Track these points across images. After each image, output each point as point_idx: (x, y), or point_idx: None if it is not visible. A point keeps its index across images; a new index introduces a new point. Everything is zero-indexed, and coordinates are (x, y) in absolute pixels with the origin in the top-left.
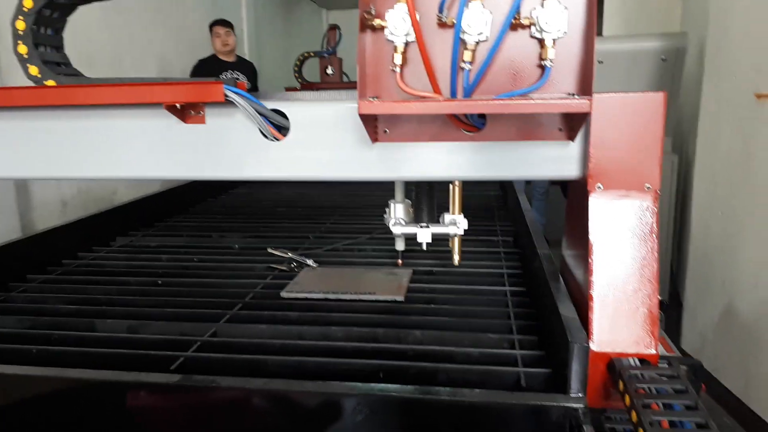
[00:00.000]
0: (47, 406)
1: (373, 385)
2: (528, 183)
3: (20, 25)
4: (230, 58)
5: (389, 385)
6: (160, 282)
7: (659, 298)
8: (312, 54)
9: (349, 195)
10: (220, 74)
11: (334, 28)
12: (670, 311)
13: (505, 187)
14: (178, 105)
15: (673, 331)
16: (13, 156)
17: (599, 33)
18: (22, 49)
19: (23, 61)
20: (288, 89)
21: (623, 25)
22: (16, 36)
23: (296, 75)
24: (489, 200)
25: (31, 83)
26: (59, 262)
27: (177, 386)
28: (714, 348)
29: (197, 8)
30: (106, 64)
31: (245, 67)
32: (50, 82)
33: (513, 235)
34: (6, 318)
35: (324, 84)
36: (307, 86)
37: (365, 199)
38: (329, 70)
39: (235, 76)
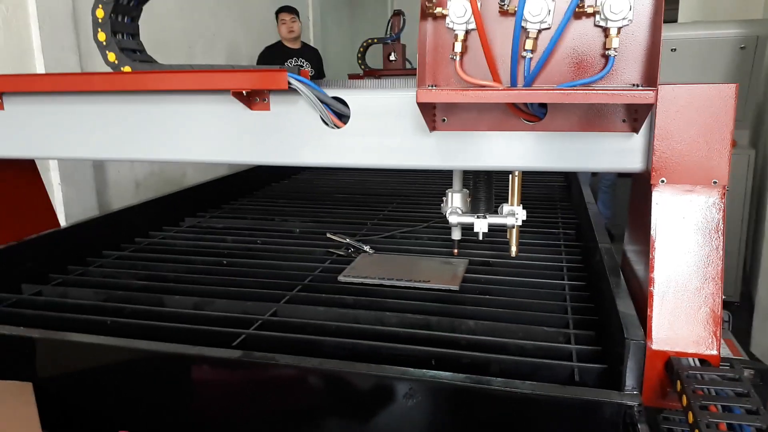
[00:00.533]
0: (118, 374)
1: (424, 371)
2: (594, 175)
3: (99, 13)
4: (296, 45)
5: (441, 372)
6: (224, 262)
7: (727, 298)
8: (375, 40)
9: (407, 183)
10: (285, 61)
11: (398, 13)
12: (741, 312)
13: (569, 178)
14: (244, 92)
15: (744, 334)
16: (90, 138)
17: (674, 19)
18: (102, 36)
19: (102, 48)
20: (351, 76)
21: (701, 11)
22: (96, 24)
23: (359, 62)
24: (552, 191)
25: (108, 69)
26: (132, 240)
27: (238, 362)
28: None
29: None
30: (178, 50)
31: (310, 53)
32: (126, 68)
33: (575, 227)
34: (84, 290)
35: (386, 71)
36: (369, 73)
37: (424, 187)
38: (392, 57)
39: (300, 63)
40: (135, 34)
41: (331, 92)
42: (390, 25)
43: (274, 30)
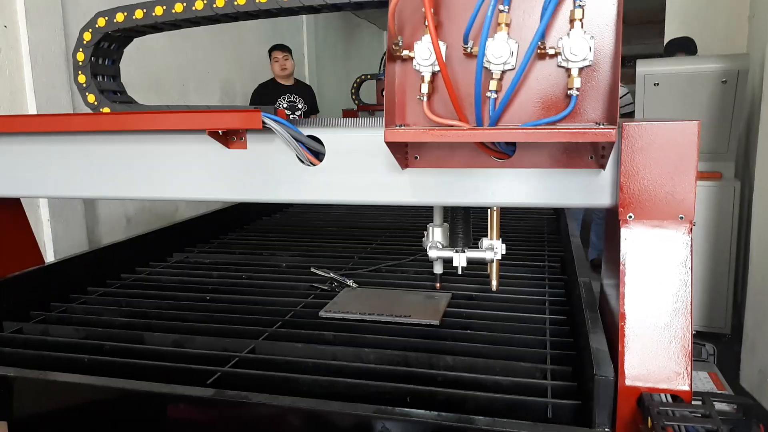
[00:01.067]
0: (92, 413)
1: (395, 409)
2: None
3: (80, 56)
4: (289, 82)
5: (412, 410)
6: (208, 298)
7: (718, 330)
8: (369, 76)
9: (398, 216)
10: (278, 97)
11: None
12: (733, 344)
13: (558, 210)
14: (220, 131)
15: (735, 366)
16: (73, 177)
17: (660, 53)
18: (82, 78)
19: (82, 90)
20: (345, 111)
21: None
22: (77, 66)
23: (353, 97)
24: (541, 224)
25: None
26: (118, 276)
27: (210, 400)
28: None
29: (258, 33)
30: (172, 88)
31: (303, 90)
32: (106, 110)
33: (561, 260)
34: (64, 327)
35: (380, 106)
36: (363, 108)
37: (414, 220)
38: None
39: (293, 99)
40: (116, 76)
41: (307, 131)
42: (383, 61)
43: (268, 67)
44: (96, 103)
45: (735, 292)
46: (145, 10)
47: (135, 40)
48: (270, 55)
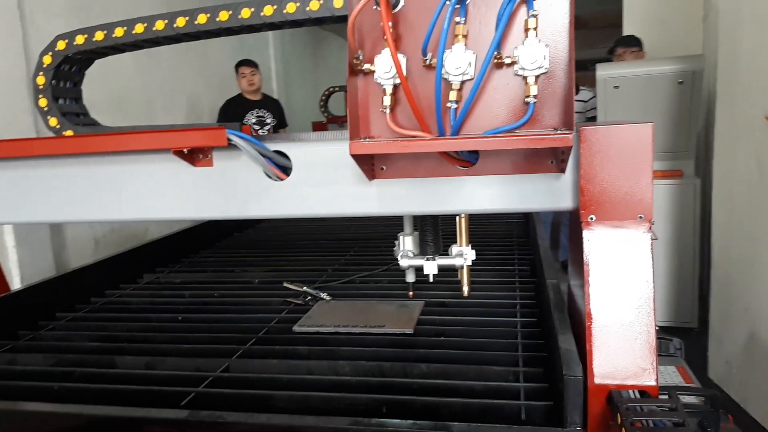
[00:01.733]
0: None
1: (371, 420)
2: None
3: (40, 80)
4: (256, 97)
5: (388, 420)
6: (180, 318)
7: (686, 324)
8: (337, 88)
9: (370, 226)
10: (246, 113)
11: None
12: (701, 338)
13: (527, 214)
14: (185, 150)
15: (703, 359)
16: (37, 201)
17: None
18: (43, 102)
19: (43, 114)
20: (315, 124)
21: (646, 50)
22: (37, 90)
23: (322, 110)
24: (511, 228)
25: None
26: (88, 300)
27: (185, 421)
28: (741, 377)
29: (224, 49)
30: (138, 107)
31: (271, 104)
32: (68, 132)
33: (531, 263)
34: (33, 356)
35: None
36: (332, 120)
37: (387, 229)
38: None
39: (261, 114)
40: (78, 98)
41: (274, 146)
42: None
43: (235, 82)
44: (58, 126)
45: (701, 287)
46: (105, 32)
47: (97, 60)
48: (237, 71)
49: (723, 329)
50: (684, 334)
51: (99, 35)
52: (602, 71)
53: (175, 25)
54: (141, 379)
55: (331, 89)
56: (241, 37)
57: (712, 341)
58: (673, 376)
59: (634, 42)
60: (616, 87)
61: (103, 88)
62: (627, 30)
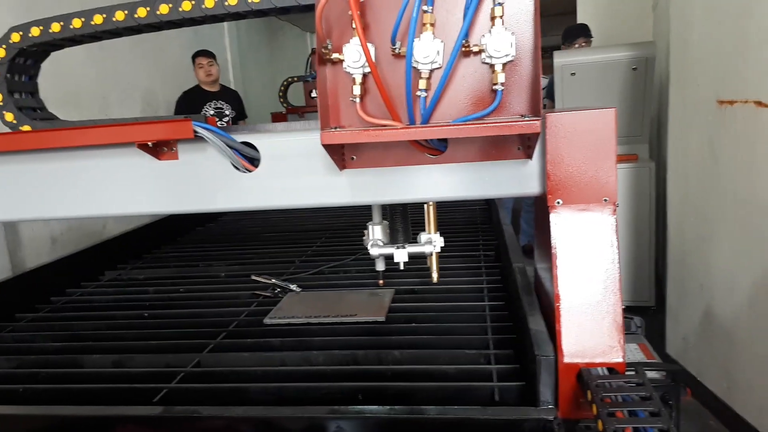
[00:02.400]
0: None
1: (348, 407)
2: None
3: None
4: (214, 88)
5: (365, 407)
6: (146, 315)
7: (644, 303)
8: (296, 79)
9: (336, 216)
10: (204, 105)
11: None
12: (658, 315)
13: (489, 201)
14: (149, 143)
15: (661, 336)
16: None
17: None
18: None
19: None
20: (274, 114)
21: (599, 37)
22: None
23: (281, 100)
24: (474, 214)
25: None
26: (48, 300)
27: (159, 418)
28: (697, 351)
29: (179, 40)
30: (92, 101)
31: (229, 95)
32: (26, 128)
33: (495, 248)
34: None
35: (309, 108)
36: (292, 110)
37: (353, 219)
38: (314, 94)
39: (220, 105)
40: (34, 92)
41: (241, 137)
42: (309, 63)
43: (192, 74)
44: (15, 121)
45: (657, 267)
46: (62, 23)
47: (50, 53)
48: (194, 62)
49: (679, 307)
50: (642, 313)
51: (55, 27)
52: (559, 58)
53: (135, 16)
54: (110, 377)
55: (290, 79)
56: (196, 28)
57: (670, 318)
58: (635, 352)
59: (589, 32)
60: (573, 74)
61: (55, 82)
62: (581, 18)
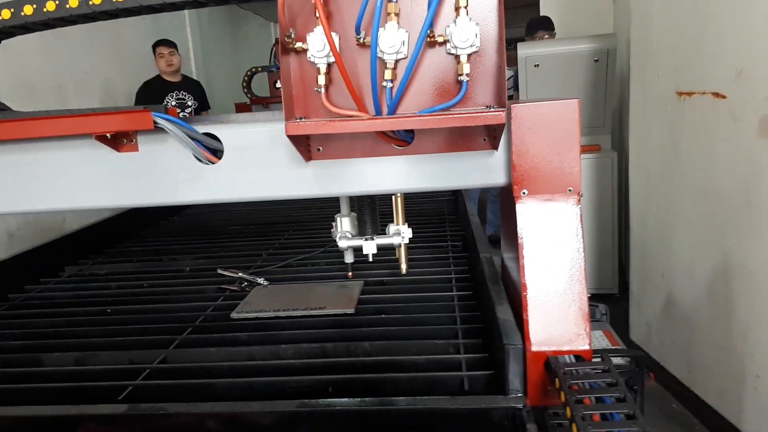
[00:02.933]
0: None
1: (318, 401)
2: None
3: None
4: (176, 78)
5: (335, 399)
6: (109, 310)
7: (607, 291)
8: (260, 69)
9: (303, 209)
10: (165, 95)
11: None
12: (622, 302)
13: (455, 192)
14: (108, 135)
15: (624, 323)
16: None
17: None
18: None
19: None
20: (238, 105)
21: (561, 29)
22: None
23: (245, 90)
24: (441, 205)
25: None
26: (5, 297)
27: (124, 416)
28: (659, 337)
29: (139, 29)
30: (48, 92)
31: (191, 85)
32: None
33: (462, 239)
34: None
35: (274, 98)
36: (257, 101)
37: (321, 211)
38: (278, 84)
39: (182, 96)
40: None
41: (203, 128)
42: (273, 53)
43: (152, 64)
44: None
45: (620, 255)
46: (12, 10)
47: (2, 42)
48: (154, 51)
49: (642, 294)
50: (606, 300)
51: (5, 13)
52: (523, 50)
53: (90, 3)
54: (72, 375)
55: (254, 69)
56: (156, 17)
57: (633, 305)
58: (600, 339)
59: (552, 25)
60: (537, 65)
61: (8, 73)
62: (543, 10)
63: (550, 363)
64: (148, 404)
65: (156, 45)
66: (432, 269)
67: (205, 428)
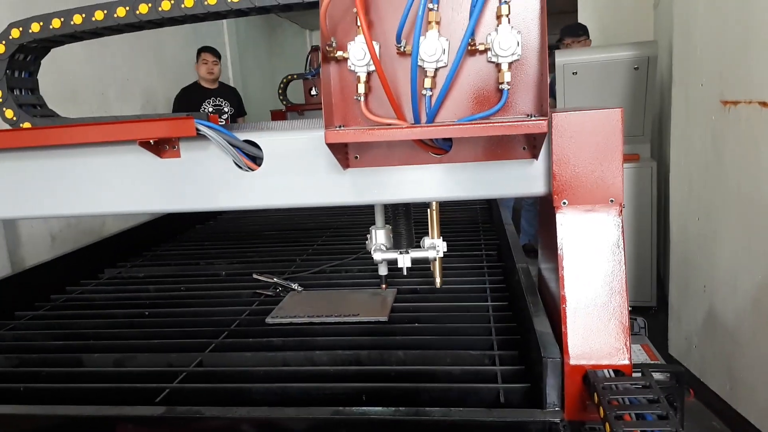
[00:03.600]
0: None
1: (352, 408)
2: None
3: None
4: (213, 85)
5: (370, 408)
6: (147, 313)
7: (645, 303)
8: (295, 76)
9: (337, 215)
10: (203, 101)
11: (316, 49)
12: (660, 316)
13: (490, 200)
14: (151, 141)
15: (663, 337)
16: None
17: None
18: None
19: None
20: (274, 112)
21: (600, 36)
22: None
23: (281, 98)
24: (475, 214)
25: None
26: (48, 298)
27: (161, 419)
28: (700, 352)
29: (179, 36)
30: (92, 98)
31: (228, 92)
32: (26, 124)
33: (497, 248)
34: None
35: (309, 105)
36: (292, 108)
37: (354, 218)
38: (313, 91)
39: (219, 102)
40: (34, 89)
41: (243, 135)
42: (309, 60)
43: (191, 71)
44: (15, 118)
45: (658, 267)
46: (62, 19)
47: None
48: (198, 56)
49: (682, 307)
50: (643, 313)
51: (56, 23)
52: (561, 57)
53: (137, 12)
54: (111, 376)
55: (290, 77)
56: (195, 25)
57: (672, 319)
58: (638, 353)
59: (581, 32)
60: (575, 73)
61: (53, 79)
62: (581, 17)
63: (588, 377)
64: (185, 407)
65: (202, 50)
66: (466, 278)
67: None
